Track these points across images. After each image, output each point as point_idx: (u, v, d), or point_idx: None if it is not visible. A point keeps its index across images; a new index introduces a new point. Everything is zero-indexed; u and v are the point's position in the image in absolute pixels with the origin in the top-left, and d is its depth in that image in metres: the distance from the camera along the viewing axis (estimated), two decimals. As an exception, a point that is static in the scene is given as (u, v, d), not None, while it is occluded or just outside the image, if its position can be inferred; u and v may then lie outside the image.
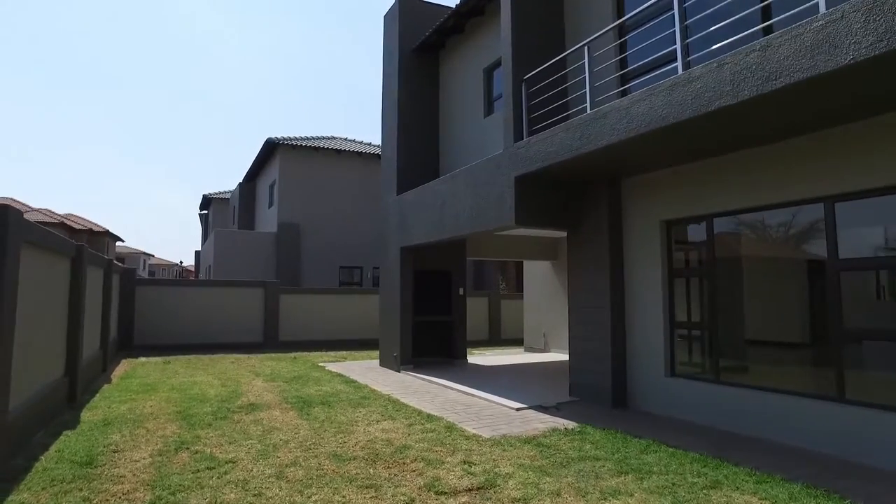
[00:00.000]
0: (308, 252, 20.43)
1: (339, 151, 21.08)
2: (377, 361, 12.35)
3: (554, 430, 6.19)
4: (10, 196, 39.69)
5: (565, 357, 12.75)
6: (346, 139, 23.21)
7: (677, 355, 7.06)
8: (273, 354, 13.68)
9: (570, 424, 6.44)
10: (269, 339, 15.32)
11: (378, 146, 22.05)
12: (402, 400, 7.85)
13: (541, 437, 5.89)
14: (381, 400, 7.83)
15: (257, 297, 15.42)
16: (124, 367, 10.99)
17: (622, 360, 7.48)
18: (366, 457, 5.12)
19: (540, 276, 14.52)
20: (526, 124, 7.63)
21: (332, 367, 11.39)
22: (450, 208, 9.02)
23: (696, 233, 6.95)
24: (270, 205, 22.15)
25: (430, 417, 6.74)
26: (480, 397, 7.98)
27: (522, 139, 7.56)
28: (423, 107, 11.73)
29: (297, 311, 15.83)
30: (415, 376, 10.00)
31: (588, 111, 6.53)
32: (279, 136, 20.11)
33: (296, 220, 20.31)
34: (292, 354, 13.73)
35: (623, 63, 7.46)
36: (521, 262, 24.83)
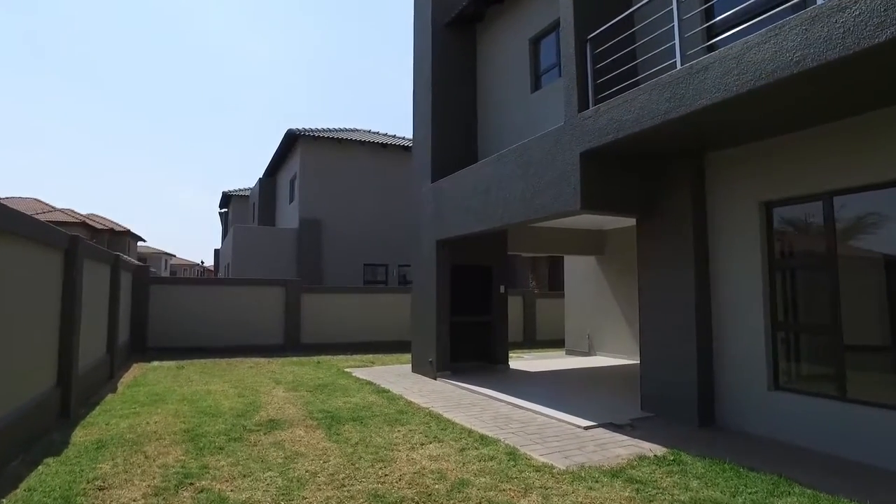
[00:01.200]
0: (330, 249, 19.46)
1: (362, 143, 20.07)
2: (409, 367, 11.25)
3: (640, 457, 5.01)
4: (33, 196, 39.73)
5: (615, 361, 11.62)
6: (368, 131, 22.20)
7: (782, 364, 5.81)
8: (295, 358, 12.68)
9: (658, 449, 5.26)
10: (291, 342, 14.34)
11: (402, 138, 21.01)
12: (446, 415, 6.73)
13: (628, 467, 4.72)
14: (421, 415, 6.72)
15: (278, 296, 14.46)
16: (134, 372, 10.07)
17: (709, 370, 6.26)
18: (415, 498, 4.00)
19: (583, 273, 13.28)
20: (592, 91, 6.44)
21: (359, 373, 10.34)
22: (496, 194, 7.88)
23: (808, 216, 5.69)
24: (291, 200, 21.24)
25: (484, 439, 5.60)
26: (537, 412, 6.82)
27: (588, 108, 6.38)
28: (460, 86, 10.60)
29: (319, 312, 14.83)
30: (454, 385, 8.88)
31: (679, 66, 5.33)
32: (300, 128, 19.18)
33: (318, 215, 19.36)
34: (315, 358, 12.72)
35: (709, 13, 6.24)
36: (554, 259, 23.63)
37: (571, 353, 13.48)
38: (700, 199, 6.46)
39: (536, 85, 9.22)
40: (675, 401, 6.41)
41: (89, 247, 7.06)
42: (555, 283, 23.82)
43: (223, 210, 36.59)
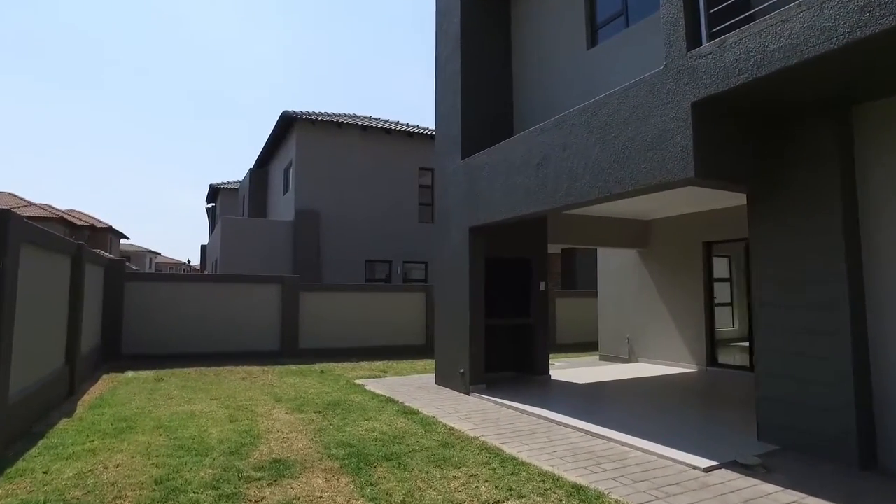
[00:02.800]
0: (329, 244, 17.75)
1: (363, 128, 18.39)
2: (430, 377, 9.62)
3: (821, 526, 3.44)
4: (8, 191, 37.52)
5: (666, 370, 10.00)
6: (369, 117, 20.51)
7: (977, 387, 4.28)
8: (293, 367, 10.99)
9: (833, 511, 3.69)
10: (288, 347, 12.64)
11: (406, 125, 19.34)
12: (507, 449, 5.12)
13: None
14: (473, 449, 5.10)
15: (273, 295, 12.75)
16: (102, 386, 8.33)
17: (867, 391, 4.71)
18: None
19: (620, 269, 11.73)
20: (705, 23, 4.87)
21: (373, 385, 8.69)
22: (557, 166, 6.28)
23: None
24: (285, 191, 19.50)
25: (580, 492, 3.99)
26: (626, 443, 5.23)
27: (701, 45, 4.80)
28: (492, 46, 8.99)
29: (320, 313, 13.14)
30: (495, 402, 7.26)
31: (866, -34, 3.76)
32: (296, 110, 17.46)
33: (315, 206, 17.64)
34: (317, 366, 11.04)
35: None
36: (569, 254, 22.11)
37: (607, 359, 11.92)
38: (848, 164, 4.91)
39: (593, 40, 7.64)
40: (817, 432, 4.85)
41: (30, 230, 5.35)
42: (567, 282, 22.31)
43: (210, 205, 34.67)
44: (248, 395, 7.78)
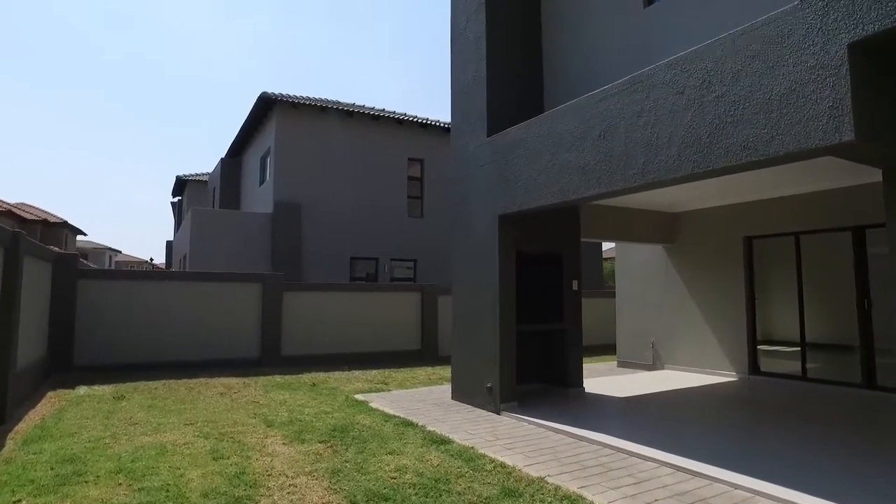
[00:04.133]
0: (311, 239, 16.25)
1: (350, 113, 16.95)
2: (441, 390, 8.36)
3: None
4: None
5: (704, 379, 8.66)
6: (354, 104, 19.05)
7: None
8: (279, 377, 9.55)
9: None
10: (269, 354, 11.15)
11: (393, 112, 17.95)
12: (590, 496, 3.89)
13: None
14: (549, 499, 3.85)
15: (252, 295, 11.24)
16: (45, 408, 6.76)
17: None
18: None
19: (643, 266, 10.68)
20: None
21: (379, 402, 7.37)
22: (626, 139, 5.09)
23: None
24: (262, 181, 17.89)
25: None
26: (749, 489, 4.03)
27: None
28: (519, 11, 7.76)
29: (306, 315, 11.69)
30: (538, 424, 6.02)
31: None
32: (277, 92, 15.89)
33: (296, 198, 16.11)
34: (306, 377, 9.63)
35: None
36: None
37: (627, 365, 10.85)
38: None
39: (650, -5, 6.48)
40: None
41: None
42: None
43: (176, 199, 32.54)
44: (232, 418, 6.35)
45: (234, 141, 19.90)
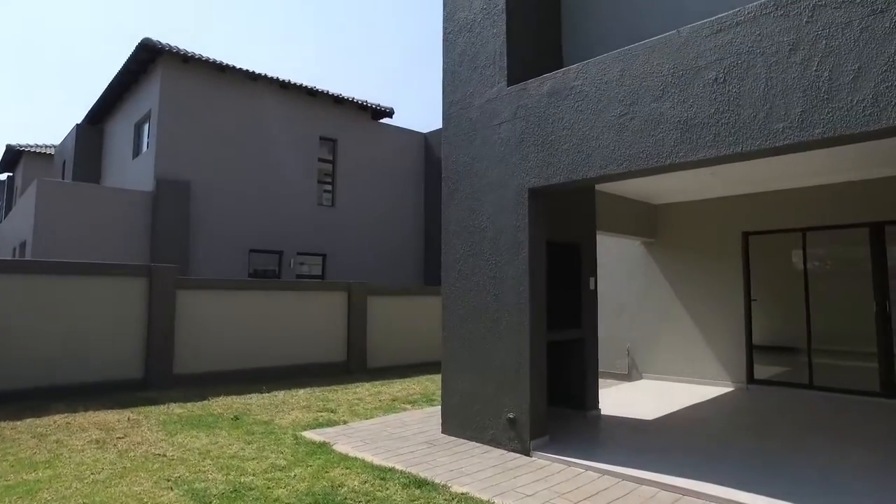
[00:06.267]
0: (202, 226, 13.23)
1: (254, 77, 14.14)
2: (413, 416, 6.48)
3: None
4: None
5: (699, 390, 7.15)
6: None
7: None
8: (177, 407, 6.96)
9: None
10: (158, 373, 8.34)
11: (305, 83, 15.38)
12: None
13: None
14: None
15: (133, 293, 8.35)
16: None
17: None
18: None
19: (616, 263, 9.60)
20: None
21: (344, 444, 5.31)
22: (770, 80, 3.68)
23: None
24: (137, 153, 14.35)
25: None
26: None
27: None
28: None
29: (206, 320, 9.01)
30: (602, 471, 4.40)
31: None
32: (164, 42, 12.63)
33: (184, 175, 12.99)
34: (216, 405, 7.15)
35: None
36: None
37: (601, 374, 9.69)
38: None
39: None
40: None
41: None
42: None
43: (6, 176, 26.28)
44: (130, 493, 3.94)
45: (96, 103, 15.94)
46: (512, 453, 5.00)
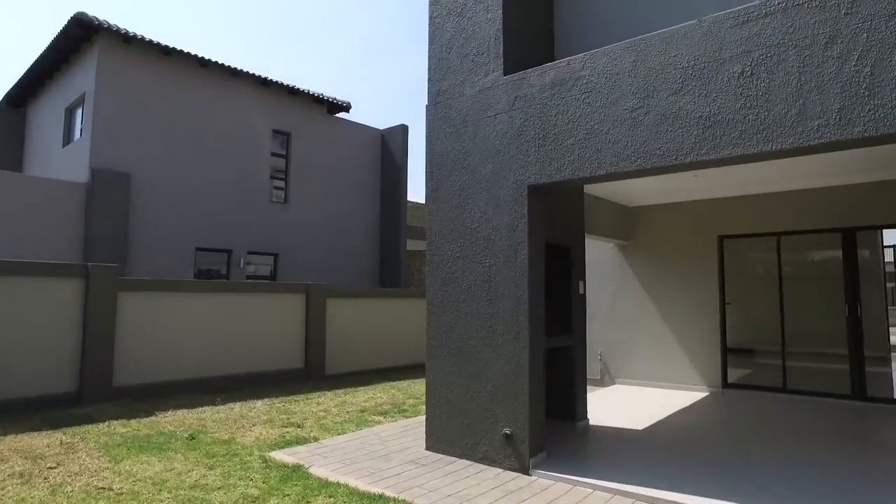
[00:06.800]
0: (143, 222, 12.14)
1: (204, 64, 13.16)
2: (389, 430, 5.99)
3: None
4: None
5: (680, 396, 6.87)
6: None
7: None
8: (119, 425, 6.16)
9: None
10: (94, 386, 7.42)
11: (258, 72, 14.49)
12: None
13: None
14: None
15: (66, 296, 7.40)
16: None
17: None
18: None
19: (590, 267, 9.41)
20: None
21: (322, 466, 4.78)
22: (803, 74, 3.47)
23: None
24: (69, 140, 13.04)
25: None
26: None
27: None
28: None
29: (152, 325, 8.14)
30: (612, 490, 4.08)
31: None
32: (101, 19, 11.46)
33: (124, 166, 11.88)
34: (165, 421, 6.40)
35: None
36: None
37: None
38: None
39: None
40: None
41: None
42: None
43: None
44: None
45: (18, 83, 14.39)
46: (509, 472, 4.61)
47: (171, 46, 12.37)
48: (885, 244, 7.38)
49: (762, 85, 3.62)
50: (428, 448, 5.28)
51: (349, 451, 5.28)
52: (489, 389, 4.85)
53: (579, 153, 4.43)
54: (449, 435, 5.12)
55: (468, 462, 4.90)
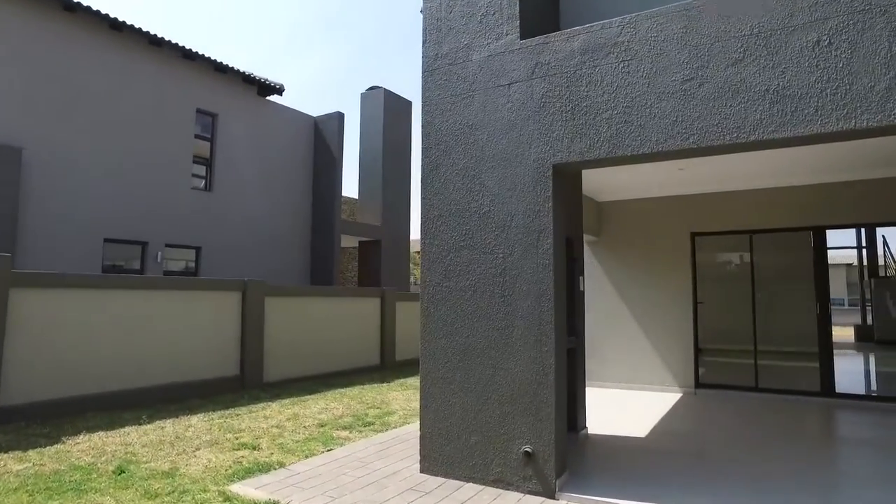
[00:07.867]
0: (38, 206, 10.29)
1: (118, 26, 11.43)
2: (358, 448, 5.16)
3: None
4: None
5: (654, 397, 6.73)
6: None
7: None
8: (12, 461, 4.85)
9: None
10: (-23, 404, 5.92)
11: (181, 43, 12.87)
12: None
13: None
14: None
15: (-60, 294, 5.83)
16: None
17: None
18: None
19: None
20: None
21: (299, 499, 3.88)
22: (892, 44, 3.11)
23: None
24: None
25: None
26: None
27: None
28: None
29: (54, 329, 6.69)
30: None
31: None
32: (-16, -43, 9.55)
33: (14, 139, 9.98)
34: (74, 447, 5.16)
35: None
36: (369, 245, 18.47)
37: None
38: None
39: None
40: None
41: None
42: (370, 280, 18.68)
43: None
44: None
45: None
46: (531, 496, 3.96)
47: (76, 1, 10.57)
48: (828, 245, 7.55)
49: (843, 55, 3.24)
50: (423, 471, 4.52)
51: (329, 478, 4.40)
52: (504, 400, 4.18)
53: (618, 128, 3.88)
54: (450, 455, 4.39)
55: (479, 486, 4.20)
